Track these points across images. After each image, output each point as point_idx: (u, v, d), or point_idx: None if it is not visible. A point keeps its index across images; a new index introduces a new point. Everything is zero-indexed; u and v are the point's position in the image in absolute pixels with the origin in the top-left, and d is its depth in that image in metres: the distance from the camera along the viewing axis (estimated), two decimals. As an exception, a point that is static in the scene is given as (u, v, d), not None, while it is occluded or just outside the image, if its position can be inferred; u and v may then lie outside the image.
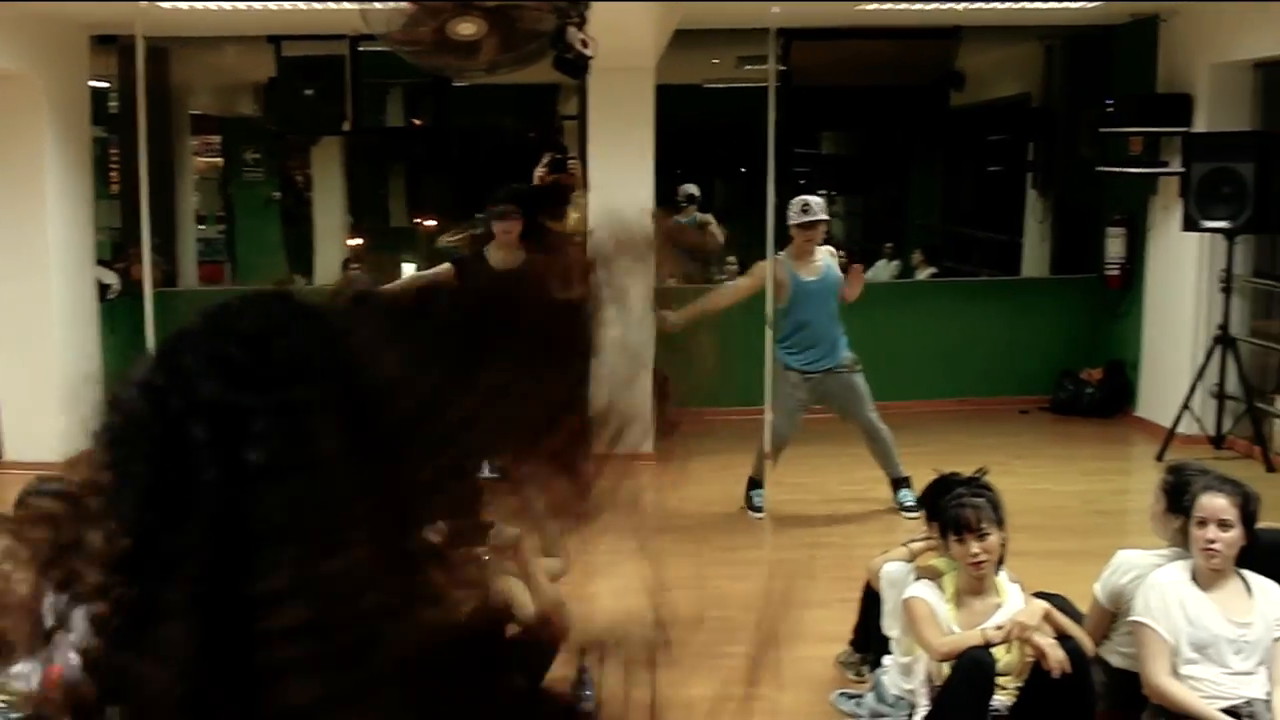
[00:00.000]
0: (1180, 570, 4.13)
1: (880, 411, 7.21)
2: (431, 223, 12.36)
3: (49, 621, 3.42)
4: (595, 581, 6.08)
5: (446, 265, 7.05)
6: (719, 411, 7.54)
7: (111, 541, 0.97)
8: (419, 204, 12.84)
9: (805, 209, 6.94)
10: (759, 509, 7.06)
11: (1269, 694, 3.96)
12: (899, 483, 7.11)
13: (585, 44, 5.15)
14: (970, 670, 3.86)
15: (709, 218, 10.76)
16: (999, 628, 3.91)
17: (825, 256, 7.10)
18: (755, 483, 7.19)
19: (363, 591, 0.91)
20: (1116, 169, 8.99)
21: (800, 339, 7.07)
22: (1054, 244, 10.44)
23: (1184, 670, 4.02)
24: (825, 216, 7.05)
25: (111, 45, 8.66)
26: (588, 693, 3.73)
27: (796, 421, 7.18)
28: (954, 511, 4.07)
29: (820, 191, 13.58)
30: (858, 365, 7.15)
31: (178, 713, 0.90)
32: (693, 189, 10.44)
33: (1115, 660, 4.34)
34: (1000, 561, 4.16)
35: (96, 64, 8.56)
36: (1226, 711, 3.90)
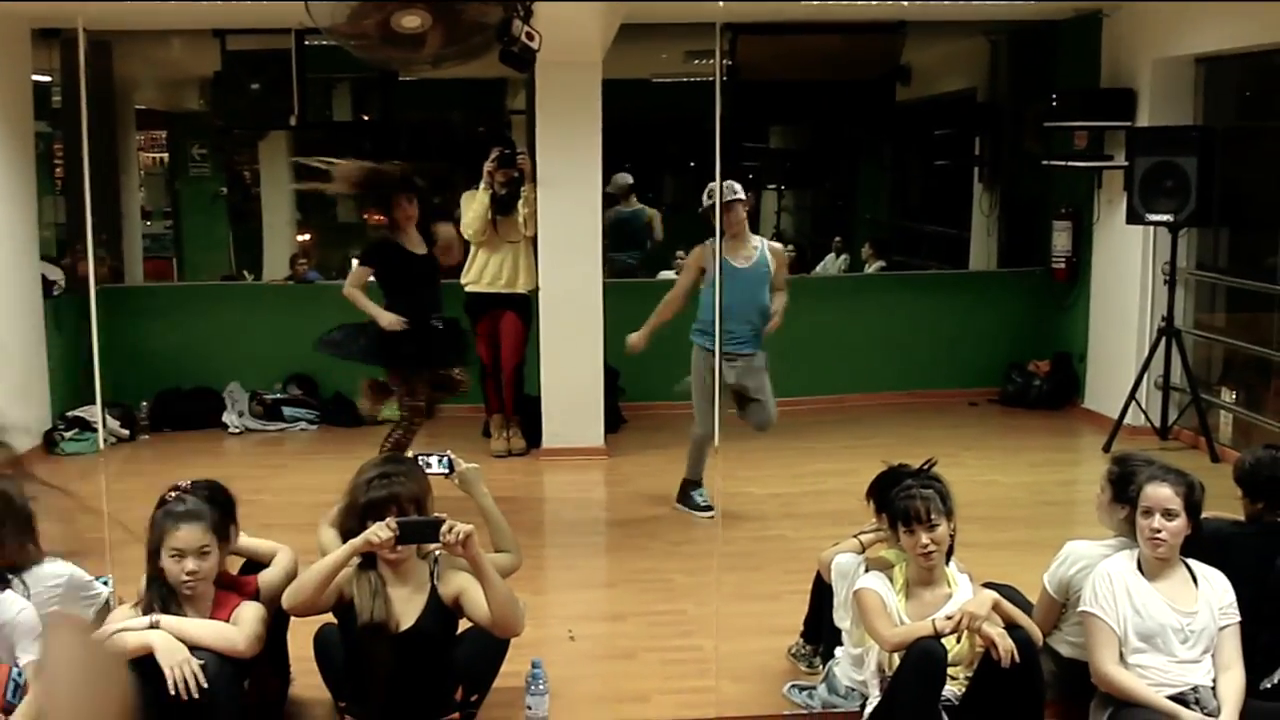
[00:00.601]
0: (1126, 560, 4.18)
1: (830, 404, 7.21)
2: (379, 219, 12.27)
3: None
4: (545, 578, 6.09)
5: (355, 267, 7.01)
6: (669, 406, 7.55)
7: None
8: (367, 199, 12.73)
9: (728, 189, 6.72)
10: (707, 507, 6.97)
11: (1215, 680, 4.02)
12: (695, 485, 7.06)
13: (530, 37, 5.13)
14: (921, 660, 3.88)
15: (654, 212, 10.76)
16: (949, 618, 3.93)
17: (761, 246, 6.95)
18: (693, 483, 7.08)
19: None
20: (1062, 163, 9.06)
21: (724, 314, 6.77)
22: (1001, 237, 10.51)
23: (1131, 659, 4.06)
24: (742, 196, 6.89)
25: (54, 39, 8.56)
26: (541, 686, 3.77)
27: (711, 408, 6.95)
28: (903, 503, 4.09)
29: (769, 185, 13.67)
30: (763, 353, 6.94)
31: None
32: (627, 179, 10.40)
33: (1064, 650, 4.38)
34: (950, 552, 4.19)
35: (39, 58, 8.46)
36: (1173, 699, 3.95)
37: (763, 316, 6.88)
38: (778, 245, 7.19)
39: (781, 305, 6.95)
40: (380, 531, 3.87)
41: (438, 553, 4.12)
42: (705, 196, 6.82)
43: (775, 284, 6.94)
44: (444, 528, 3.87)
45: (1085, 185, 9.14)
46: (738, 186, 6.89)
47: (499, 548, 4.36)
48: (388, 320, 6.67)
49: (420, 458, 4.39)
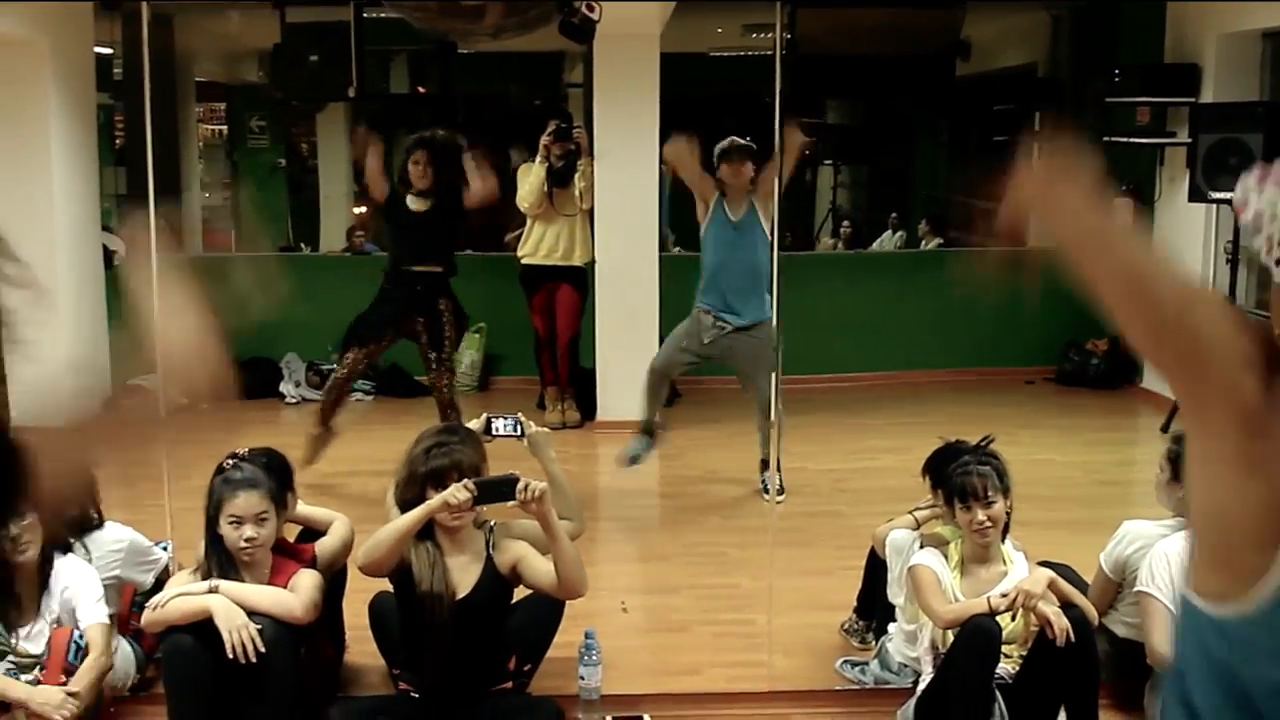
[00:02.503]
0: (1185, 540, 4.14)
1: (885, 381, 7.17)
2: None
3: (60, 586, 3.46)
4: (598, 550, 6.12)
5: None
6: (724, 381, 7.54)
7: None
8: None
9: (730, 142, 6.79)
10: (766, 490, 6.66)
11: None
12: (766, 463, 6.74)
13: (591, 9, 5.13)
14: (975, 637, 3.86)
15: None
16: (1004, 595, 3.92)
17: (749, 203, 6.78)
18: (764, 464, 6.86)
19: None
20: (1123, 139, 8.95)
21: (711, 281, 6.77)
22: (1060, 214, 10.40)
23: (1188, 639, 4.02)
24: (752, 146, 6.81)
25: (115, 12, 8.62)
26: (595, 657, 3.79)
27: (678, 360, 6.93)
28: (960, 479, 4.07)
29: (826, 161, 13.61)
30: (771, 325, 6.56)
31: None
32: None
33: (1120, 630, 4.36)
34: (1005, 530, 4.17)
35: (100, 31, 8.53)
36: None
37: (760, 279, 6.66)
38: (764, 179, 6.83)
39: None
40: (458, 493, 3.87)
41: (493, 522, 4.14)
42: (724, 147, 6.79)
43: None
44: (519, 485, 3.88)
45: (1147, 162, 9.03)
46: (743, 141, 6.84)
47: (563, 514, 4.37)
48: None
49: (491, 420, 4.40)
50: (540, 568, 4.01)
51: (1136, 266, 1.61)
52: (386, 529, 3.93)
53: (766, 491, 6.72)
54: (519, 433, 4.40)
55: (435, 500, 3.90)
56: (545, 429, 4.51)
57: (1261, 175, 1.65)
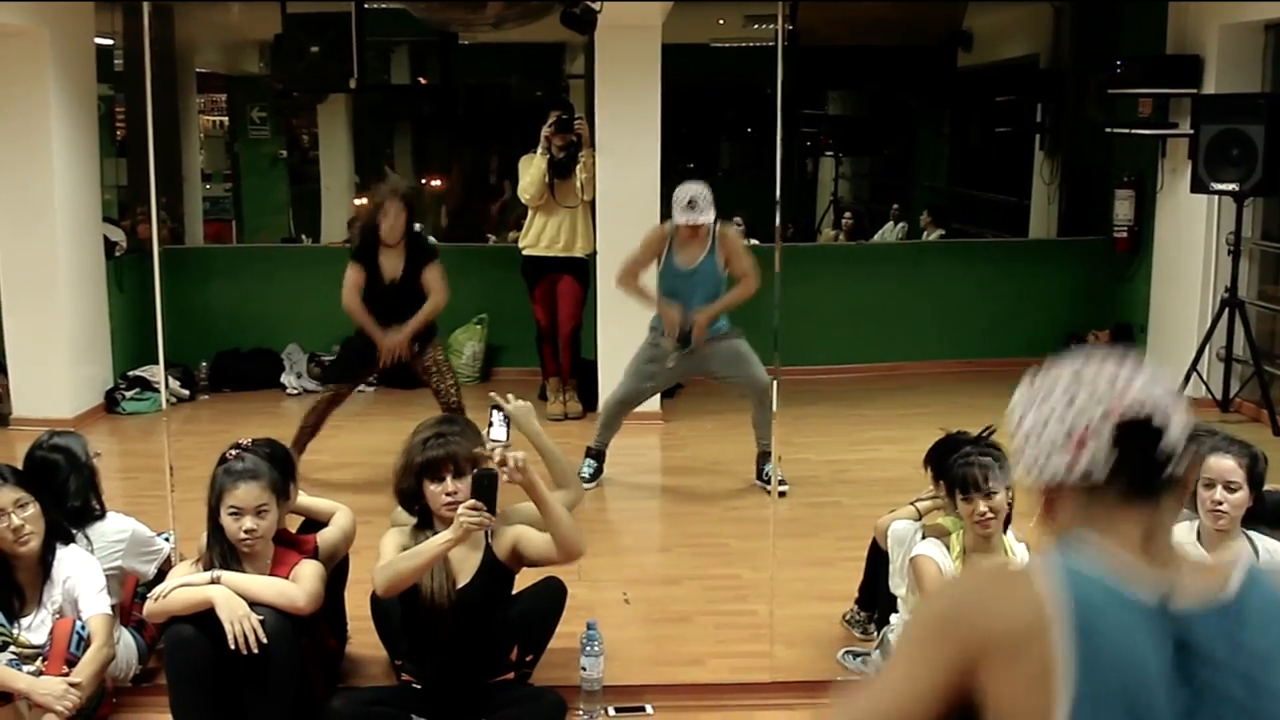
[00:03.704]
0: (1186, 531, 4.14)
1: (887, 372, 7.17)
2: (437, 182, 12.33)
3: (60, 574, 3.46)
4: (601, 541, 6.11)
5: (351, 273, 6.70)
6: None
7: None
8: (425, 163, 12.81)
9: (691, 204, 6.43)
10: (766, 480, 6.75)
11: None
12: (767, 456, 6.76)
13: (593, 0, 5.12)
14: (976, 629, 3.86)
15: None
16: (1005, 586, 3.91)
17: (710, 240, 6.62)
18: (595, 451, 6.96)
19: None
20: (1125, 130, 8.95)
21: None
22: (1062, 206, 10.42)
23: (1189, 629, 4.03)
24: (709, 216, 6.49)
25: (116, 3, 8.62)
26: (596, 648, 3.78)
27: (644, 390, 6.95)
28: (961, 470, 4.06)
29: (828, 152, 13.60)
30: (737, 332, 6.72)
31: None
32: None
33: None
34: (1007, 521, 4.16)
35: (101, 21, 8.52)
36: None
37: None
38: (730, 230, 6.78)
39: (742, 295, 6.59)
40: (472, 517, 3.84)
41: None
42: (683, 207, 6.45)
43: (736, 271, 6.66)
44: (497, 462, 3.88)
45: (1149, 153, 9.02)
46: (703, 201, 6.46)
47: (559, 484, 4.35)
48: (386, 346, 6.64)
49: (489, 429, 4.36)
50: (536, 539, 4.01)
51: None
52: (406, 560, 3.87)
53: (764, 483, 6.74)
54: (507, 434, 4.35)
55: (453, 534, 3.85)
56: (525, 402, 4.46)
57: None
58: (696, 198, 6.44)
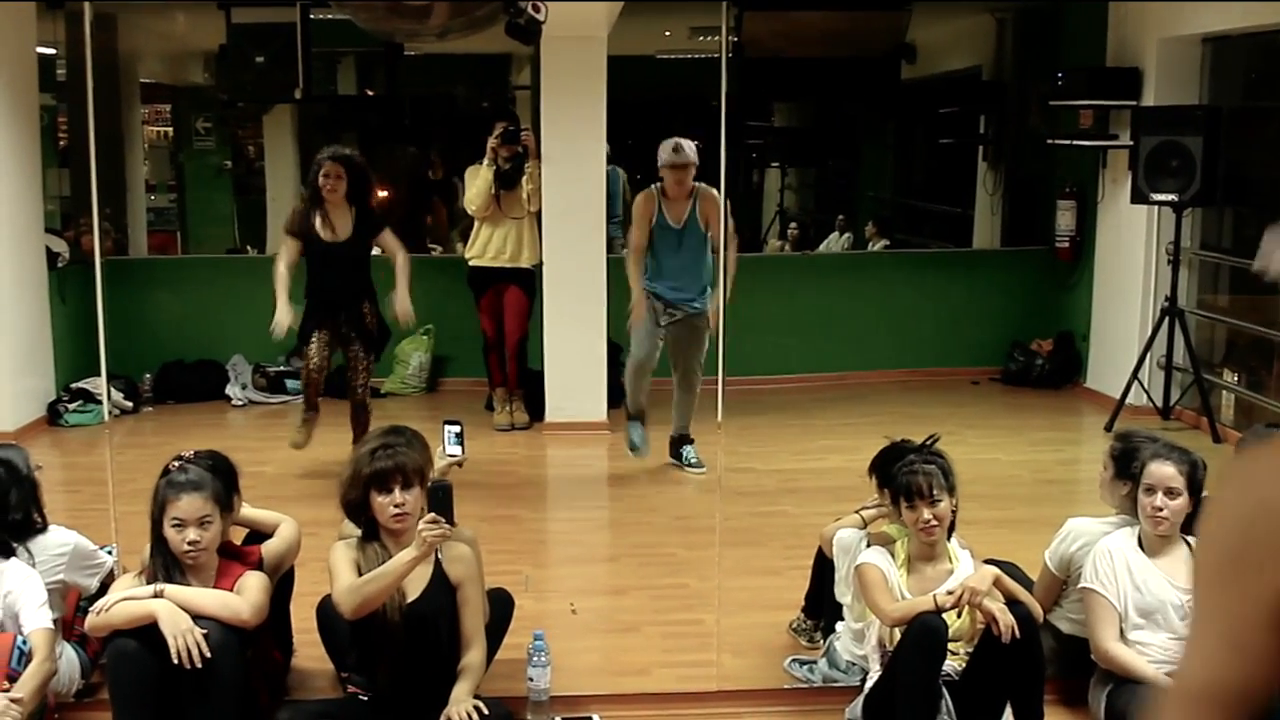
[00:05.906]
0: (1128, 537, 4.19)
1: (833, 381, 7.24)
2: (383, 193, 12.27)
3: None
4: (548, 551, 6.11)
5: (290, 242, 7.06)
6: (670, 381, 7.55)
7: None
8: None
9: (675, 150, 6.94)
10: (683, 461, 7.31)
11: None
12: (685, 439, 7.32)
13: (537, 9, 5.13)
14: (922, 635, 3.89)
15: (624, 173, 10.46)
16: (950, 593, 3.95)
17: (693, 200, 7.06)
18: (634, 417, 7.33)
19: None
20: (1066, 142, 9.05)
21: (656, 272, 7.14)
22: (1005, 216, 10.50)
23: (1132, 635, 4.08)
24: (695, 159, 6.96)
25: (58, 11, 8.55)
26: (543, 659, 3.78)
27: (654, 346, 7.21)
28: (906, 478, 4.10)
29: (773, 163, 13.65)
30: (709, 324, 7.11)
31: None
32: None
33: (1064, 626, 4.40)
34: (951, 528, 4.20)
35: (43, 30, 8.45)
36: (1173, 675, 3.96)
37: (701, 277, 7.11)
38: (711, 190, 7.00)
39: (733, 260, 6.85)
40: (433, 531, 3.84)
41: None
42: (668, 152, 6.96)
43: (717, 233, 6.93)
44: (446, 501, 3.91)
45: (1090, 164, 9.12)
46: (688, 146, 6.97)
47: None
48: (278, 317, 6.86)
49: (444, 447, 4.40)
50: (467, 619, 4.05)
51: None
52: (373, 582, 3.84)
53: (682, 465, 7.12)
54: (462, 449, 4.40)
55: (416, 552, 3.84)
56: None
57: None
58: (681, 143, 6.92)
